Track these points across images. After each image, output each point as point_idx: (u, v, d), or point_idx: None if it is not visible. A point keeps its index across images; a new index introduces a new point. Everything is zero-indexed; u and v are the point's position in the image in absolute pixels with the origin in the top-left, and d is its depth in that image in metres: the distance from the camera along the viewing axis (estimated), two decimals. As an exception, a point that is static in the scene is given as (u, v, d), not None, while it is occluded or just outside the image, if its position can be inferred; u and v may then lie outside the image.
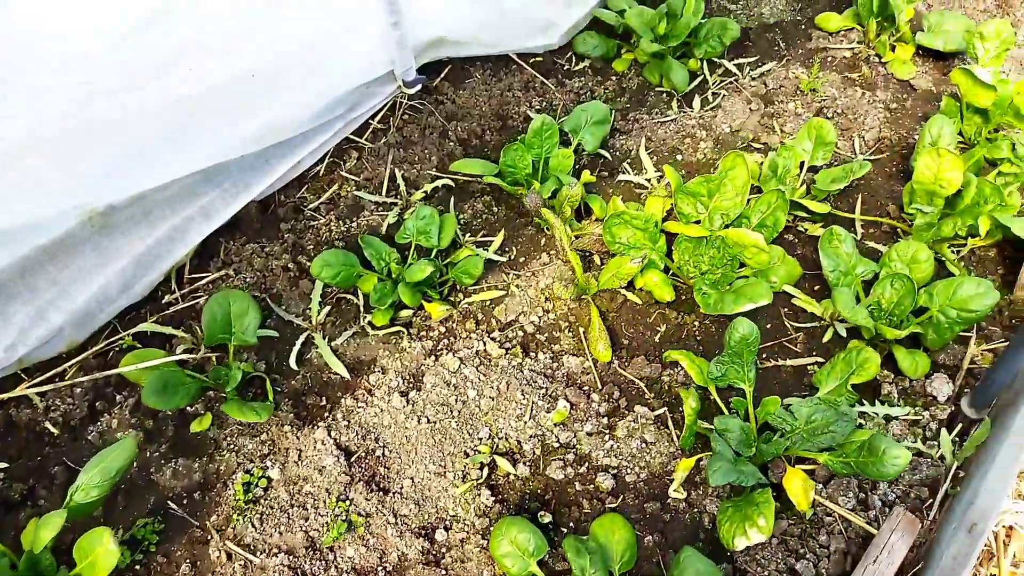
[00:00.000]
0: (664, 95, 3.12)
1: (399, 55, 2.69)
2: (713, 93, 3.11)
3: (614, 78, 3.20)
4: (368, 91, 2.76)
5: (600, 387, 2.19)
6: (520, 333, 2.34)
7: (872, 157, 2.81)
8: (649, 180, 2.76)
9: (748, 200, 2.29)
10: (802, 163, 2.68)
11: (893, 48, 3.21)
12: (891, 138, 2.87)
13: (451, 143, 2.85)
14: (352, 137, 2.80)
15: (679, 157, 2.87)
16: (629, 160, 2.86)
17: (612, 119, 2.95)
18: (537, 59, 3.19)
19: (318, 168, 2.73)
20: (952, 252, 2.42)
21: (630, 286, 2.39)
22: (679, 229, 2.26)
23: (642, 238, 2.28)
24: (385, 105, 2.87)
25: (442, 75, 3.04)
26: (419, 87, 2.87)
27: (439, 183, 2.68)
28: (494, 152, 2.86)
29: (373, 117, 2.86)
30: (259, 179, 2.52)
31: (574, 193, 2.43)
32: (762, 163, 2.65)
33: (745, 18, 3.44)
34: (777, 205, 2.28)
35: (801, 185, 2.65)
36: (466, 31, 2.86)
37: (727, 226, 2.31)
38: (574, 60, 3.25)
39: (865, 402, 2.03)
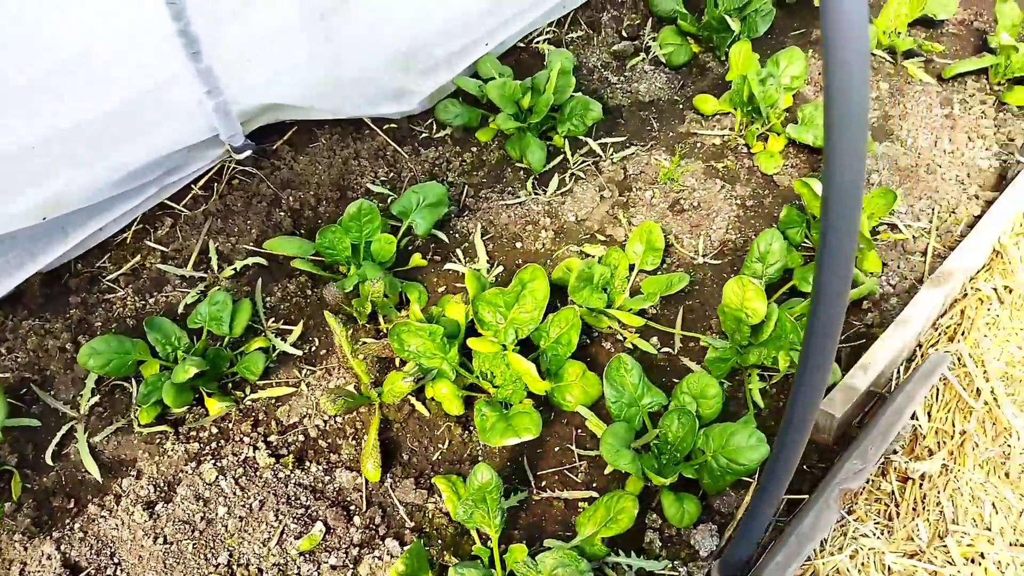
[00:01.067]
0: (522, 172, 3.01)
1: (222, 122, 2.55)
2: (572, 174, 2.99)
3: (475, 149, 3.08)
4: (190, 155, 2.62)
5: (364, 509, 2.07)
6: (300, 438, 2.21)
7: (714, 261, 2.71)
8: (479, 272, 2.64)
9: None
10: (632, 266, 2.58)
11: (765, 138, 3.11)
12: (736, 241, 2.77)
13: (281, 213, 2.72)
14: (168, 203, 2.66)
15: (519, 245, 2.76)
16: (467, 244, 2.74)
17: (453, 199, 2.84)
18: (392, 125, 3.06)
19: (125, 235, 2.59)
20: (762, 381, 2.32)
21: (420, 395, 2.26)
22: (473, 344, 2.14)
23: (432, 348, 2.15)
24: (211, 169, 2.73)
25: (285, 137, 2.91)
26: (249, 152, 2.73)
27: (251, 260, 2.55)
28: (327, 225, 2.73)
29: (196, 181, 2.72)
30: (50, 248, 2.37)
31: (376, 289, 2.30)
32: (599, 259, 2.54)
33: (621, 94, 3.32)
34: (572, 324, 2.17)
35: (628, 291, 2.54)
36: (301, 98, 2.72)
37: (522, 341, 2.20)
38: (435, 127, 3.12)
39: (622, 552, 1.92)
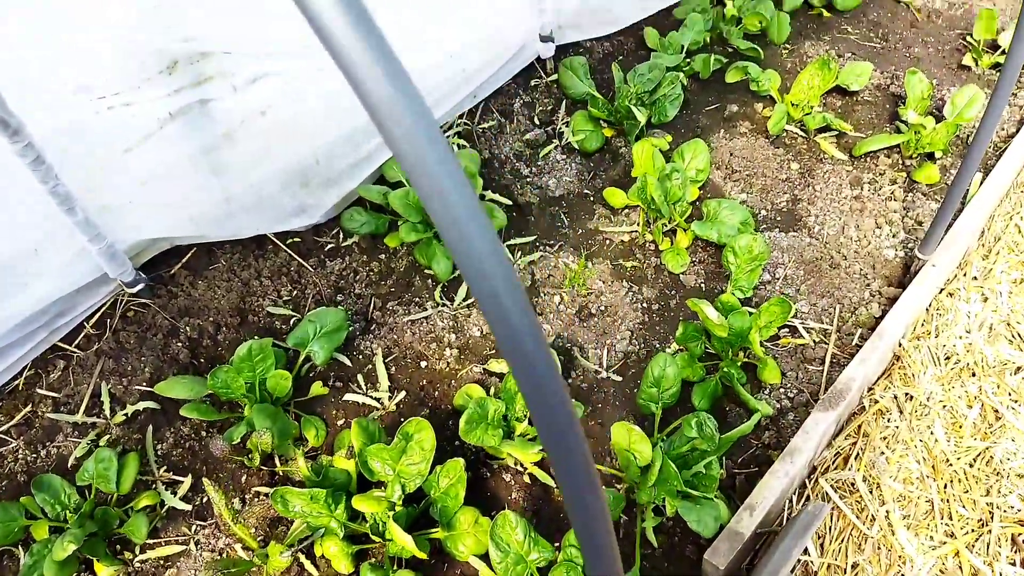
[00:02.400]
0: (430, 279, 2.99)
1: (109, 263, 2.51)
2: (479, 281, 2.97)
3: (383, 256, 3.06)
4: (79, 296, 2.57)
5: None
6: (190, 602, 2.18)
7: (616, 376, 2.71)
8: (380, 400, 2.62)
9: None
10: (531, 392, 2.56)
11: (673, 233, 3.12)
12: (640, 352, 2.77)
13: (179, 344, 2.68)
14: (61, 344, 2.62)
15: (423, 364, 2.74)
16: (371, 366, 2.72)
17: (359, 313, 2.81)
18: (296, 239, 3.02)
19: (16, 382, 2.54)
20: (658, 515, 2.32)
21: (312, 552, 2.24)
22: (358, 503, 2.12)
23: (316, 507, 2.13)
24: (104, 304, 2.68)
25: (183, 261, 2.87)
26: (142, 285, 2.68)
27: (143, 405, 2.51)
28: (229, 354, 2.69)
29: (89, 319, 2.67)
30: (-68, 407, 2.32)
31: (263, 441, 2.27)
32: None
33: (532, 189, 3.31)
34: (458, 477, 2.16)
35: (528, 418, 2.53)
36: (193, 230, 2.68)
37: (409, 496, 2.18)
38: (342, 235, 3.09)
39: None
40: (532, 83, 3.67)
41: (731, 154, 3.48)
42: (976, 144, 2.46)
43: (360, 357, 2.72)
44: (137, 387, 2.55)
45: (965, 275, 2.97)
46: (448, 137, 3.40)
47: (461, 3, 3.12)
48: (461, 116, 3.48)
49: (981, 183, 3.19)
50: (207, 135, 2.47)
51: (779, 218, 3.22)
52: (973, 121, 3.46)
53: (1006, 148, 3.38)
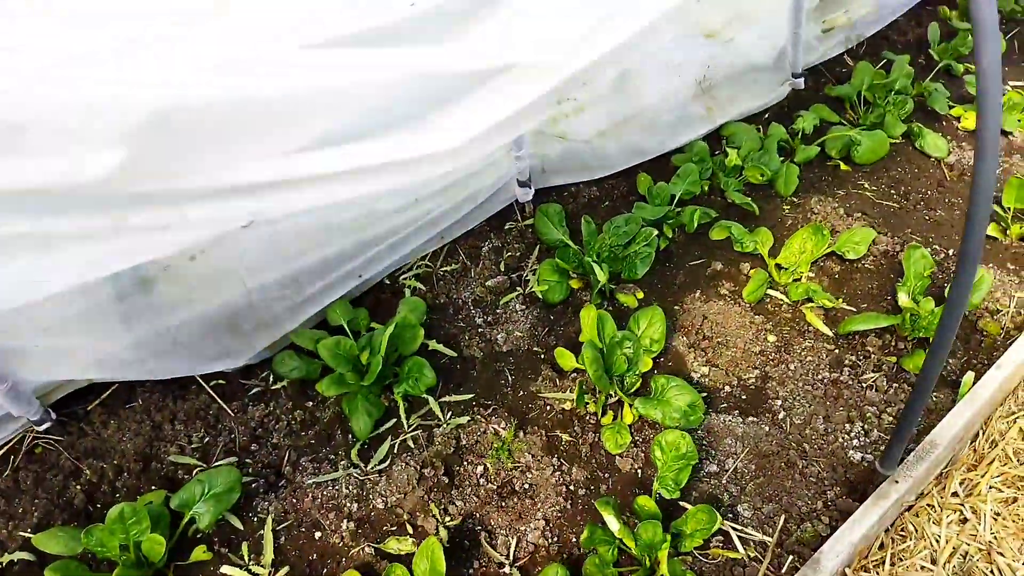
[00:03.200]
0: (352, 435, 2.84)
1: (13, 404, 2.49)
2: (403, 441, 2.81)
3: (311, 404, 2.95)
4: (-16, 432, 2.56)
5: None
6: None
7: (518, 575, 2.45)
8: None
9: None
10: (415, 586, 2.34)
11: (620, 405, 2.88)
12: (551, 547, 2.51)
13: (77, 488, 2.62)
14: (-41, 479, 2.60)
15: (317, 535, 2.57)
16: (263, 531, 2.57)
17: (270, 466, 2.69)
18: (221, 380, 2.96)
19: (-93, 515, 2.52)
20: None
21: None
22: None
23: None
24: (12, 440, 2.67)
25: (101, 399, 2.84)
26: (51, 423, 2.66)
27: (18, 556, 2.43)
28: (126, 500, 2.61)
29: (-5, 454, 2.66)
30: None
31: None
32: None
33: (481, 341, 3.16)
34: None
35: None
36: (102, 374, 2.66)
37: None
38: (272, 378, 3.01)
39: None
40: (507, 226, 3.58)
41: (704, 318, 3.23)
42: (940, 337, 2.12)
43: (255, 520, 2.58)
44: (22, 533, 2.49)
45: (943, 488, 2.59)
46: (404, 279, 3.32)
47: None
48: (424, 257, 3.41)
49: (975, 380, 2.82)
50: (122, 282, 2.46)
51: (743, 397, 2.94)
52: (979, 308, 3.10)
53: (1015, 339, 3.00)
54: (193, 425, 2.81)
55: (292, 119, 1.38)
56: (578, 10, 1.51)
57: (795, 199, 3.88)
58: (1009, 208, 3.65)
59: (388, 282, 3.29)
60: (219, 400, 2.88)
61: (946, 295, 3.06)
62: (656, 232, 3.34)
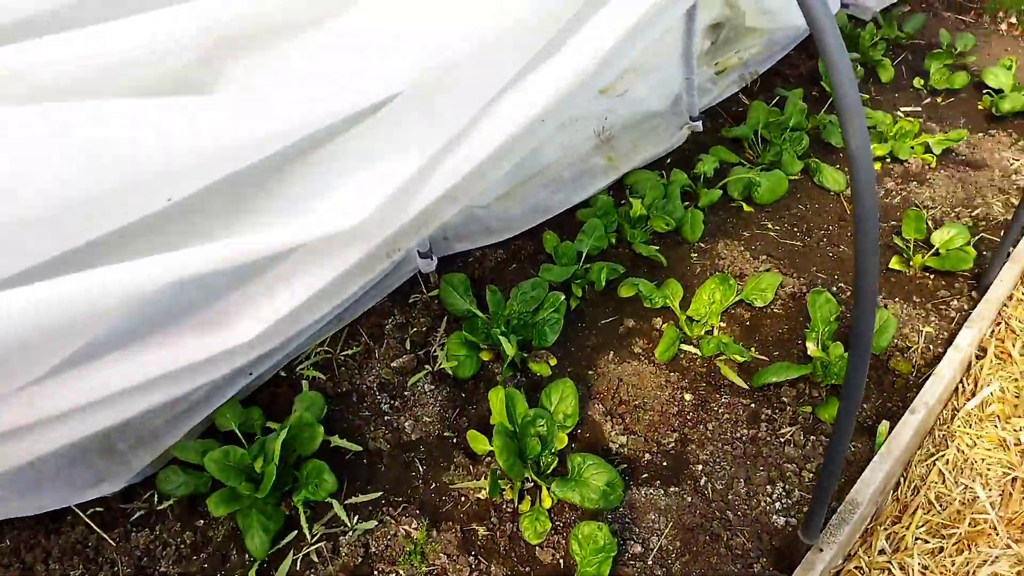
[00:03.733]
0: (248, 555, 2.60)
1: None
2: (305, 556, 2.58)
3: (202, 522, 2.69)
4: None
5: None
6: None
7: None
8: None
9: None
10: None
11: (538, 490, 2.72)
12: (469, 663, 2.31)
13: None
14: None
15: (211, 676, 2.31)
16: None
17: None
18: (99, 507, 2.68)
19: None
20: None
21: None
22: None
23: None
24: None
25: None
26: None
27: None
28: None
29: None
30: None
31: None
32: None
33: (387, 431, 2.97)
34: None
35: None
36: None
37: None
38: (157, 498, 2.74)
39: None
40: (411, 299, 3.42)
41: (620, 380, 3.13)
42: (848, 392, 2.03)
43: (139, 666, 2.31)
44: None
45: (870, 547, 2.51)
46: (302, 369, 3.12)
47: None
48: (323, 342, 3.21)
49: (891, 429, 2.78)
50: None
51: (664, 464, 2.83)
52: (885, 350, 3.09)
53: (927, 375, 2.99)
54: (70, 562, 2.52)
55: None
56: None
57: (702, 244, 3.85)
58: (910, 239, 3.70)
59: (284, 374, 3.08)
60: (98, 529, 2.60)
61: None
62: (563, 296, 3.24)
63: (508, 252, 3.73)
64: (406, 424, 2.94)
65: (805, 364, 3.02)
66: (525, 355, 3.20)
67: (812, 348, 2.99)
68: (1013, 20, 5.86)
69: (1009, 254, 3.46)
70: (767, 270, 3.66)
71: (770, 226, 3.96)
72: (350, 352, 3.18)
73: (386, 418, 2.95)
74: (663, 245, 3.82)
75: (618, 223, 3.85)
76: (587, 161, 3.98)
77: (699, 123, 4.58)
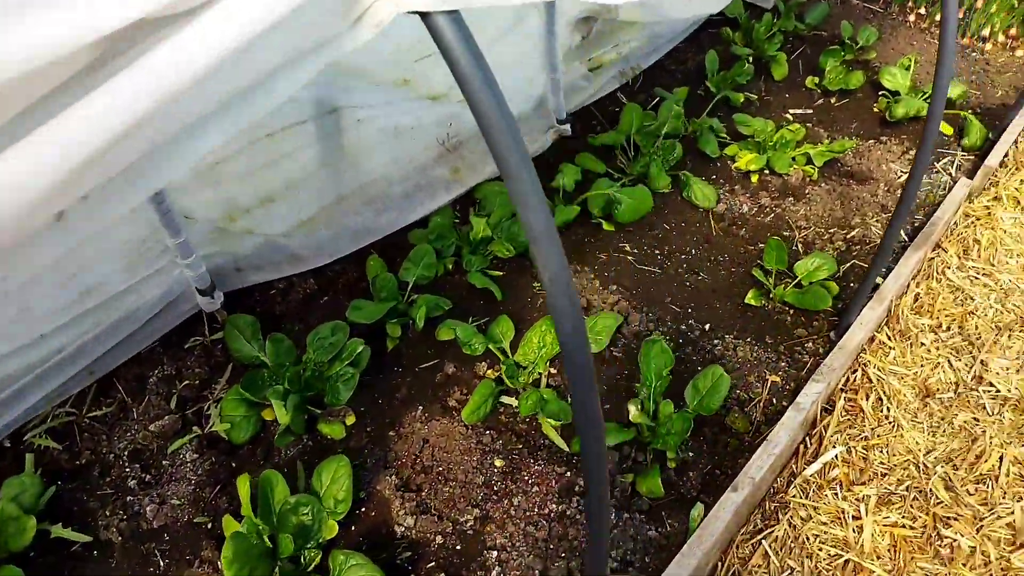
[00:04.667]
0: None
1: None
2: None
3: None
4: None
5: None
6: None
7: None
8: None
9: None
10: None
11: (298, 586, 2.31)
12: None
13: None
14: None
15: None
16: None
17: None
18: None
19: None
20: None
21: None
22: None
23: None
24: None
25: None
26: None
27: None
28: None
29: None
30: None
31: None
32: None
33: (120, 526, 2.52)
34: None
35: None
36: None
37: None
38: None
39: None
40: (189, 344, 2.95)
41: (425, 442, 2.73)
42: (588, 486, 1.66)
43: None
44: None
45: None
46: (32, 436, 2.63)
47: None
48: (65, 401, 2.72)
49: (707, 512, 2.44)
50: None
51: (457, 549, 2.45)
52: (717, 411, 2.74)
53: (766, 434, 2.65)
54: None
55: None
56: None
57: (553, 270, 3.43)
58: (771, 270, 3.34)
59: (10, 444, 2.60)
60: None
61: (686, 394, 2.68)
62: (362, 346, 2.81)
63: (322, 281, 3.28)
64: (149, 507, 2.49)
65: (631, 427, 2.66)
66: (319, 411, 2.78)
67: (634, 412, 2.63)
68: (922, 11, 5.51)
69: (876, 288, 3.14)
70: (615, 303, 3.29)
71: (628, 248, 3.58)
72: (99, 413, 2.71)
73: (130, 498, 2.50)
74: (508, 270, 3.41)
75: (457, 246, 3.42)
76: (427, 174, 3.52)
77: (567, 126, 4.15)
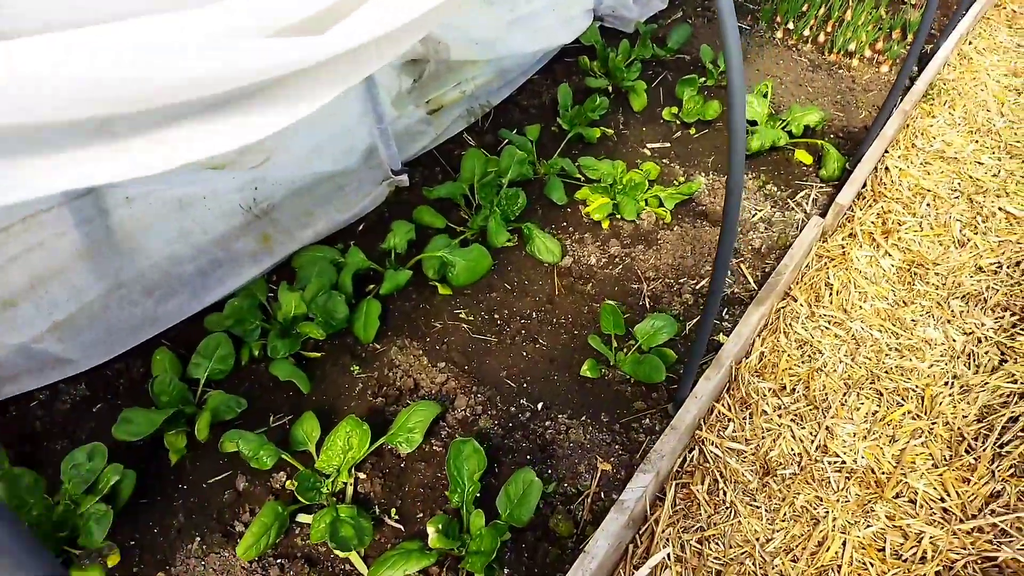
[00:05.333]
0: None
1: None
2: None
3: None
4: None
5: None
6: None
7: None
8: None
9: None
10: None
11: None
12: None
13: None
14: None
15: None
16: None
17: None
18: None
19: None
20: None
21: None
22: None
23: None
24: None
25: None
26: None
27: None
28: None
29: None
30: None
31: None
32: None
33: None
34: None
35: None
36: None
37: None
38: None
39: None
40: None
41: (201, 581, 2.33)
42: None
43: None
44: None
45: None
46: None
47: None
48: None
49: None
50: None
51: None
52: (528, 521, 2.44)
53: (588, 539, 2.36)
54: None
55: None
56: None
57: (377, 346, 3.10)
58: (609, 334, 3.07)
59: None
60: None
61: (498, 503, 2.37)
62: (117, 477, 2.40)
63: (99, 385, 2.85)
64: None
65: (428, 554, 2.33)
66: (77, 552, 2.36)
67: (433, 536, 2.30)
68: (790, 26, 5.37)
69: (719, 347, 2.90)
70: (443, 383, 2.96)
71: (464, 315, 3.26)
72: None
73: None
74: (327, 349, 3.05)
75: (263, 328, 3.03)
76: (229, 246, 3.12)
77: (404, 176, 3.80)
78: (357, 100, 3.41)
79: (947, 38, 4.73)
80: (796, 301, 3.30)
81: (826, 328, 3.21)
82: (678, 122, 4.39)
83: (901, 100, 4.29)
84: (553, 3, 4.30)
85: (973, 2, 5.13)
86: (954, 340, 3.14)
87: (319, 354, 3.05)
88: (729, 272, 3.49)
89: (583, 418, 2.86)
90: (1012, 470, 2.65)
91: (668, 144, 4.27)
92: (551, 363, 3.08)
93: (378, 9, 1.01)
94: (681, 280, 3.45)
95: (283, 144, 3.13)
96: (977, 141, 4.18)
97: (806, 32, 5.14)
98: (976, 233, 3.63)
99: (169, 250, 2.92)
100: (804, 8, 5.33)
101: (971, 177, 3.96)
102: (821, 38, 5.06)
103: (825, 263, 3.50)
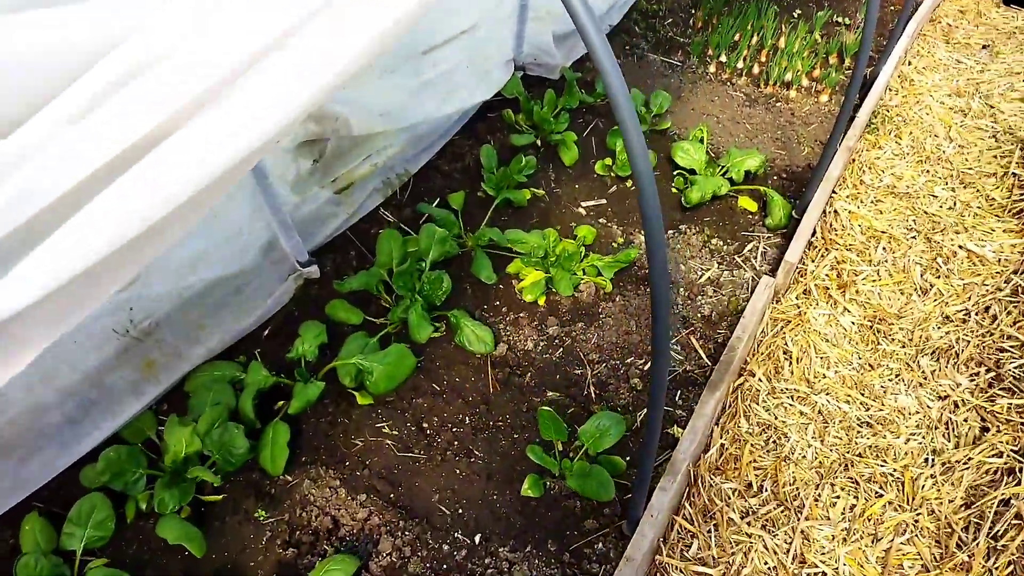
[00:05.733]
0: None
1: None
2: None
3: None
4: None
5: None
6: None
7: None
8: None
9: None
10: None
11: None
12: None
13: None
14: None
15: None
16: None
17: None
18: None
19: None
20: None
21: None
22: None
23: None
24: None
25: None
26: None
27: None
28: None
29: None
30: None
31: None
32: None
33: None
34: None
35: None
36: None
37: None
38: None
39: None
40: None
41: None
42: None
43: None
44: None
45: None
46: None
47: None
48: None
49: None
50: None
51: None
52: None
53: None
54: None
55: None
56: None
57: (288, 478, 2.69)
58: (552, 442, 2.70)
59: None
60: None
61: None
62: None
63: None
64: None
65: None
66: None
67: None
68: (723, 58, 5.11)
69: (663, 465, 2.54)
70: (365, 520, 2.56)
71: (388, 429, 2.86)
72: None
73: None
74: (229, 489, 2.62)
75: (150, 476, 2.60)
76: (103, 381, 2.69)
77: (314, 267, 3.41)
78: (245, 195, 3.02)
79: (886, 60, 4.51)
80: (754, 376, 2.98)
81: (790, 405, 2.89)
82: (612, 175, 4.08)
83: (844, 135, 4.03)
84: (467, 59, 3.97)
85: (909, 20, 4.94)
86: (929, 407, 2.84)
87: (219, 497, 2.63)
88: (679, 346, 3.16)
89: (528, 548, 2.48)
90: (1011, 567, 2.33)
91: (604, 200, 3.95)
92: (488, 480, 2.69)
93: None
94: (628, 360, 3.11)
95: (155, 261, 2.71)
96: (928, 171, 3.94)
97: (739, 64, 4.90)
98: (938, 277, 3.36)
99: (30, 400, 2.48)
100: (736, 38, 5.08)
101: (926, 212, 3.70)
102: (756, 69, 4.82)
103: (781, 327, 3.19)
